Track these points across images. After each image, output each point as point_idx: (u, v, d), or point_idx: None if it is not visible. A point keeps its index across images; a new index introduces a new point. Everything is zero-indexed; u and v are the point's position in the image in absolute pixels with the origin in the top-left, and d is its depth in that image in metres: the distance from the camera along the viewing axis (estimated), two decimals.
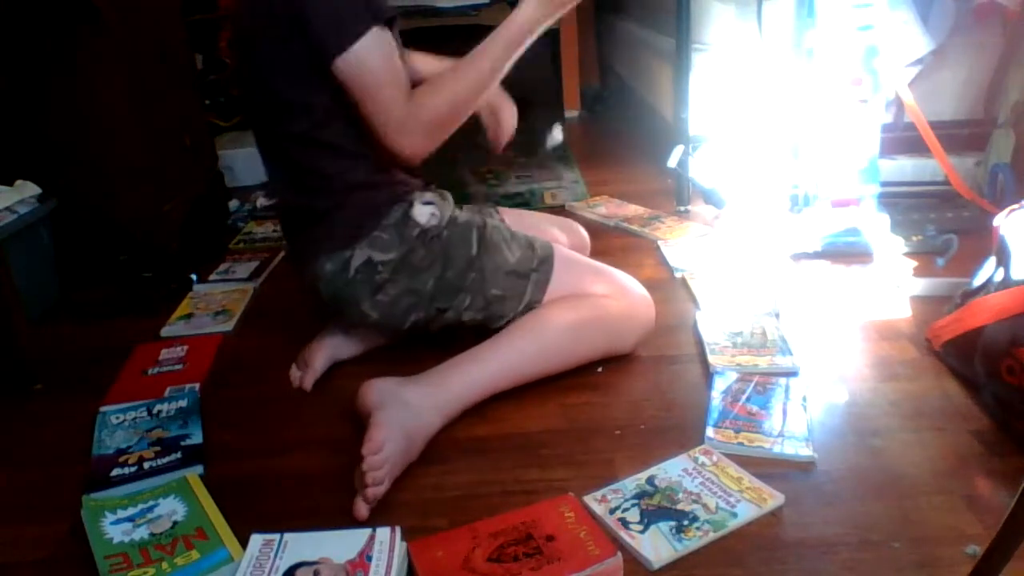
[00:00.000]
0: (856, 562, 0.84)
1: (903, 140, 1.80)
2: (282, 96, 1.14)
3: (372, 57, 1.07)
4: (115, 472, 1.05)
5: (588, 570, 0.81)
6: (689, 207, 1.98)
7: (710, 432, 1.06)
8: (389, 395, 1.06)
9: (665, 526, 0.89)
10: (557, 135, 1.63)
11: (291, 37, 1.08)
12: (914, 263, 1.53)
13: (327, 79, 1.09)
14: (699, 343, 1.30)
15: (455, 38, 3.34)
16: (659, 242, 1.76)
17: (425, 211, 1.20)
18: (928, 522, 0.89)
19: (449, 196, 1.30)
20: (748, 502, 0.92)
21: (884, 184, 1.61)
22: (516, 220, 1.43)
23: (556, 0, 1.14)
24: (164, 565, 0.86)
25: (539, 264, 1.22)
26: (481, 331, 1.22)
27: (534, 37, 1.15)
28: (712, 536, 0.88)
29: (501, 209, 1.46)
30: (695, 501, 0.93)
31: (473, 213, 1.34)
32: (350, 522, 0.93)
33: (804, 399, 1.12)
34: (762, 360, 1.23)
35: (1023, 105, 1.68)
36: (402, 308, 1.20)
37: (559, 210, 2.01)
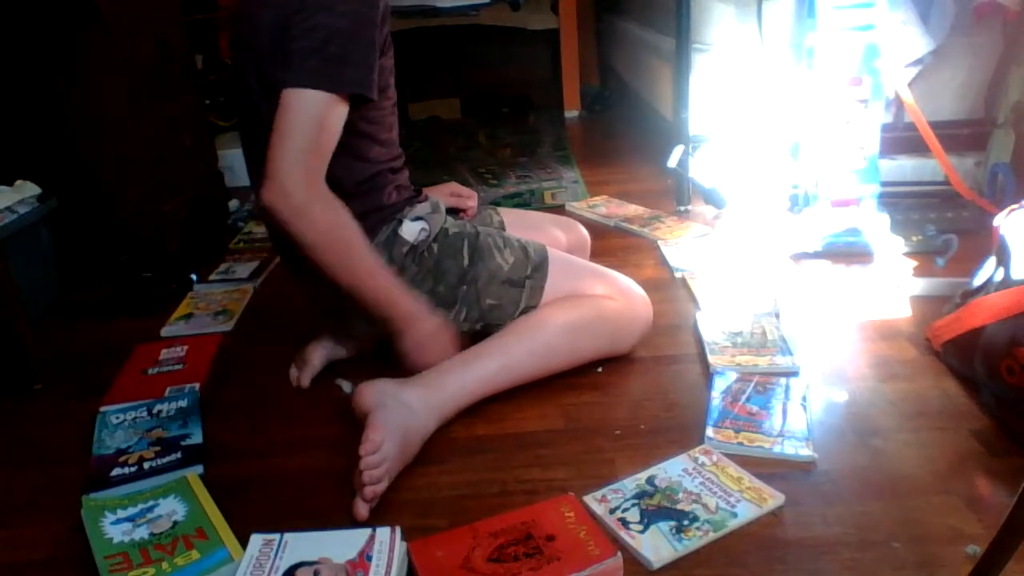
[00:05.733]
0: (856, 562, 0.84)
1: (903, 140, 1.80)
2: (272, 101, 1.08)
3: (305, 112, 1.03)
4: (115, 472, 1.05)
5: (588, 570, 0.81)
6: (689, 207, 1.98)
7: (710, 432, 1.06)
8: (386, 396, 1.05)
9: (665, 526, 0.89)
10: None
11: (283, 46, 1.05)
12: (914, 263, 1.52)
13: None
14: (699, 343, 1.30)
15: (455, 38, 3.37)
16: (659, 242, 1.76)
17: (414, 228, 1.18)
18: (928, 522, 0.89)
19: (442, 206, 1.28)
20: (748, 502, 0.92)
21: (884, 184, 1.61)
22: (516, 220, 1.43)
23: (421, 351, 1.14)
24: (164, 565, 0.86)
25: (533, 271, 1.21)
26: (480, 333, 1.22)
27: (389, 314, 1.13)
28: (712, 536, 0.88)
29: (501, 209, 1.46)
30: (695, 501, 0.93)
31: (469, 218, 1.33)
32: (350, 522, 0.93)
33: (804, 399, 1.12)
34: (762, 360, 1.23)
35: (1023, 105, 1.68)
36: None
37: (559, 210, 2.02)
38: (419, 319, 1.16)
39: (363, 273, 1.11)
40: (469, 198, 1.42)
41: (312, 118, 1.03)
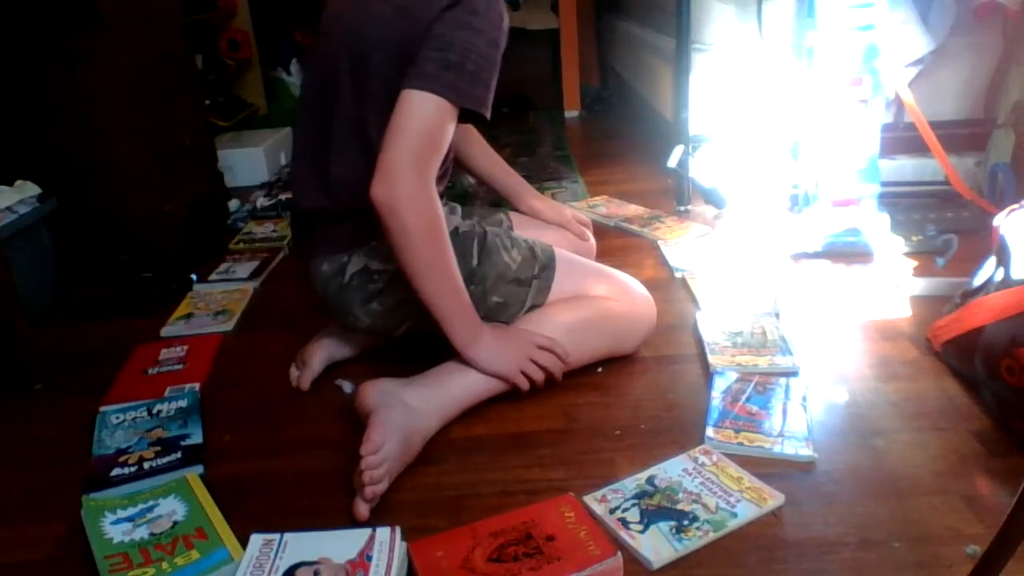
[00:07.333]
0: (856, 562, 0.84)
1: (903, 140, 1.80)
2: (368, 96, 1.11)
3: (429, 116, 1.04)
4: (115, 472, 1.05)
5: (588, 570, 0.81)
6: (689, 207, 1.98)
7: (710, 432, 1.06)
8: (388, 396, 1.05)
9: (665, 526, 0.89)
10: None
11: (405, 50, 1.06)
12: (914, 263, 1.53)
13: None
14: (699, 343, 1.30)
15: None
16: (659, 242, 1.76)
17: None
18: (928, 522, 0.89)
19: (458, 209, 1.29)
20: (748, 502, 0.92)
21: (884, 184, 1.61)
22: (523, 221, 1.44)
23: (505, 368, 1.12)
24: (164, 565, 0.86)
25: (540, 270, 1.21)
26: None
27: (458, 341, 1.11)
28: (712, 536, 0.88)
29: (508, 213, 1.46)
30: (695, 501, 0.93)
31: (477, 219, 1.33)
32: (350, 522, 0.93)
33: (804, 399, 1.12)
34: (762, 360, 1.23)
35: (1023, 105, 1.68)
36: (396, 318, 1.20)
37: None
38: (481, 344, 1.12)
39: (446, 286, 1.09)
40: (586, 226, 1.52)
41: (434, 122, 1.05)
